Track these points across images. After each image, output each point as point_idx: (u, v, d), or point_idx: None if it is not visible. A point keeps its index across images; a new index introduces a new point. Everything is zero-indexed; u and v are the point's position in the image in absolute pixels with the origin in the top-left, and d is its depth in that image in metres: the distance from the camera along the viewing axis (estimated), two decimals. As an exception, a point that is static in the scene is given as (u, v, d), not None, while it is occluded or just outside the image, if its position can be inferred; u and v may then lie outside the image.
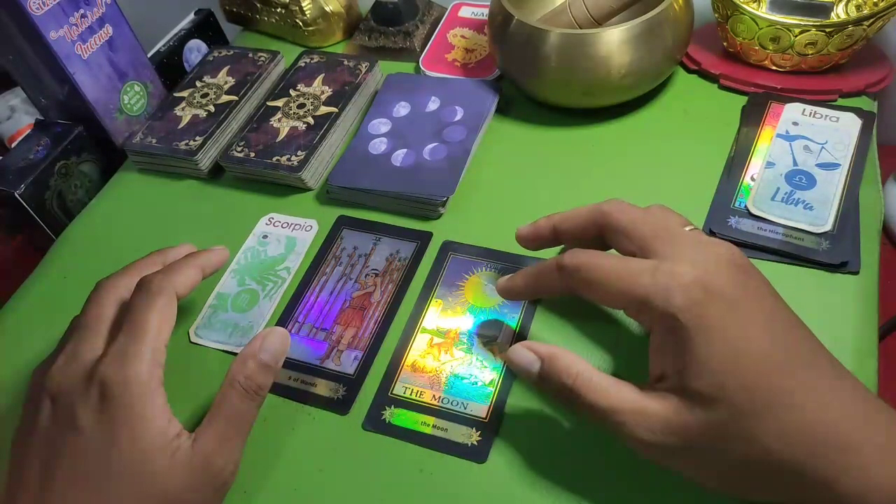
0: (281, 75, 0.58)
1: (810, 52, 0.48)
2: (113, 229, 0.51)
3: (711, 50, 0.54)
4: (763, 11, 0.48)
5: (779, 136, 0.47)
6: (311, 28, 0.62)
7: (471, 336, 0.40)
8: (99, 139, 0.55)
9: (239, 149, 0.51)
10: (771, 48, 0.49)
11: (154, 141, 0.53)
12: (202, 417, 0.33)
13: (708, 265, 0.29)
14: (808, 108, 0.48)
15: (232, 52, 0.60)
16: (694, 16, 0.50)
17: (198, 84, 0.57)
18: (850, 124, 0.46)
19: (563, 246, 0.39)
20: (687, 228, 0.33)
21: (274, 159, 0.50)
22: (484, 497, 0.34)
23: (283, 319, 0.42)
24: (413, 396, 0.38)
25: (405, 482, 0.35)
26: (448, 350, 0.39)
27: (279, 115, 0.53)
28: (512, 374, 0.38)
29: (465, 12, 0.63)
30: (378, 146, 0.50)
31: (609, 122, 0.51)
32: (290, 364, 0.40)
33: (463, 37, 0.61)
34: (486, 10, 0.56)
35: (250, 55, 0.59)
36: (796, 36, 0.47)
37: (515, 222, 0.39)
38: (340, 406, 0.38)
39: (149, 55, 0.60)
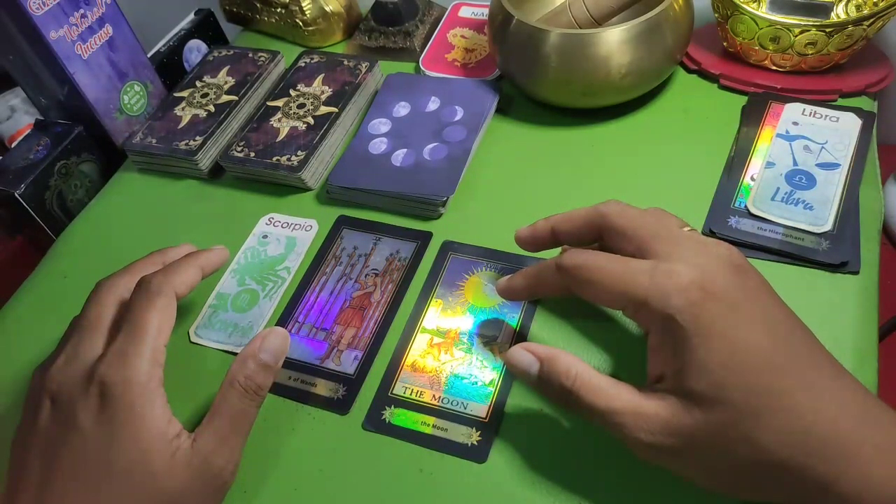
0: (281, 75, 0.58)
1: (810, 52, 0.48)
2: (113, 229, 0.51)
3: (711, 50, 0.54)
4: (763, 11, 0.48)
5: (779, 136, 0.47)
6: (311, 28, 0.62)
7: (471, 336, 0.40)
8: (99, 139, 0.55)
9: (239, 149, 0.51)
10: (771, 48, 0.49)
11: (154, 141, 0.53)
12: (202, 417, 0.33)
13: (706, 266, 0.29)
14: (808, 108, 0.48)
15: (232, 52, 0.60)
16: (694, 16, 0.50)
17: (198, 84, 0.57)
18: (850, 124, 0.46)
19: (563, 246, 0.39)
20: (685, 230, 0.33)
21: (274, 159, 0.50)
22: (484, 497, 0.34)
23: (283, 319, 0.42)
24: (413, 396, 0.38)
25: (405, 482, 0.35)
26: (448, 350, 0.39)
27: (279, 115, 0.53)
28: (512, 374, 0.38)
29: (465, 12, 0.63)
30: (378, 146, 0.50)
31: (609, 122, 0.51)
32: (290, 364, 0.40)
33: (463, 37, 0.61)
34: (486, 10, 0.56)
35: (250, 55, 0.59)
36: (796, 36, 0.47)
37: (515, 222, 0.39)
38: (340, 406, 0.38)
39: (149, 55, 0.60)
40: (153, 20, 0.69)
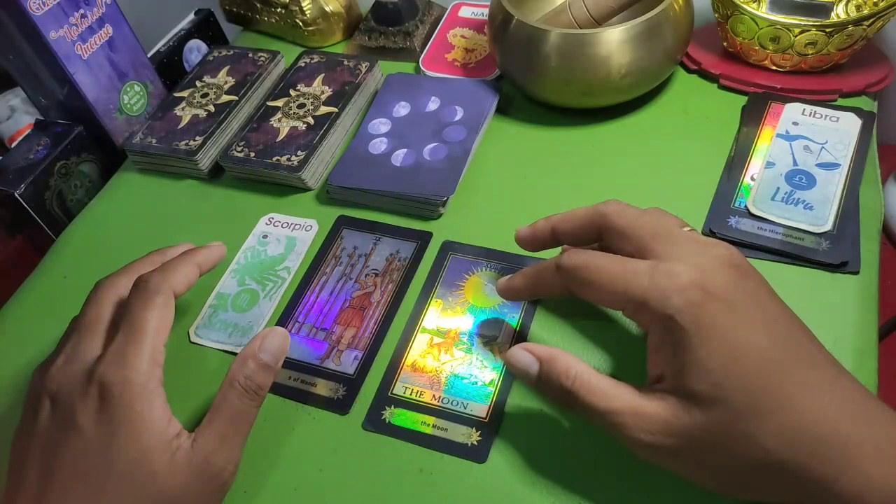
0: (281, 75, 0.58)
1: (810, 52, 0.48)
2: (113, 229, 0.51)
3: (711, 50, 0.54)
4: (763, 11, 0.48)
5: (779, 135, 0.47)
6: (311, 28, 0.62)
7: (471, 336, 0.40)
8: (99, 139, 0.55)
9: (239, 149, 0.51)
10: (771, 48, 0.49)
11: (154, 141, 0.53)
12: (202, 417, 0.33)
13: (706, 266, 0.29)
14: (808, 108, 0.48)
15: (232, 52, 0.60)
16: (694, 16, 0.50)
17: (198, 84, 0.57)
18: (850, 124, 0.46)
19: (563, 246, 0.39)
20: (685, 230, 0.33)
21: (274, 159, 0.50)
22: (484, 497, 0.34)
23: (283, 319, 0.42)
24: (413, 396, 0.38)
25: (405, 482, 0.35)
26: (448, 350, 0.39)
27: (279, 115, 0.53)
28: (512, 374, 0.38)
29: (465, 12, 0.63)
30: (378, 146, 0.50)
31: (609, 122, 0.51)
32: (290, 364, 0.40)
33: (463, 37, 0.61)
34: (486, 10, 0.56)
35: (250, 55, 0.59)
36: (796, 36, 0.47)
37: (515, 222, 0.39)
38: (340, 406, 0.38)
39: (149, 55, 0.60)
40: (153, 20, 0.69)
